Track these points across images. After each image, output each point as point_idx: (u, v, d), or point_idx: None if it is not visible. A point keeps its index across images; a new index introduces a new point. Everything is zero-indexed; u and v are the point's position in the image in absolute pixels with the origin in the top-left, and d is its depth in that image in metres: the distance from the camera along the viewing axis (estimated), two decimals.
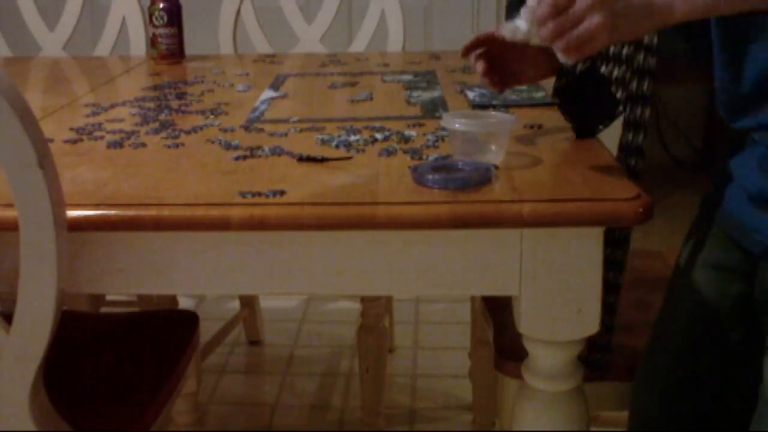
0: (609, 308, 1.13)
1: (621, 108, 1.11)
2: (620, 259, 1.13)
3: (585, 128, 1.19)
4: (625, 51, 1.08)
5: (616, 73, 1.10)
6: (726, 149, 1.12)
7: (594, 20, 0.90)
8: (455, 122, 1.10)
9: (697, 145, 3.64)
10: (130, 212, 1.00)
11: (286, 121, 1.38)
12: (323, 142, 1.23)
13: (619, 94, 1.10)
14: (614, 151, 1.14)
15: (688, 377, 1.16)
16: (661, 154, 3.66)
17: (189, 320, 1.44)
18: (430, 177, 1.02)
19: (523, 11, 0.98)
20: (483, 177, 1.03)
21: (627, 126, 1.11)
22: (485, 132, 1.10)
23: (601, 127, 1.17)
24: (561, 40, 0.92)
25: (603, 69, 1.11)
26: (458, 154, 1.11)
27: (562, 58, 0.95)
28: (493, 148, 1.10)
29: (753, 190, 1.04)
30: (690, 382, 1.16)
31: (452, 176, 1.03)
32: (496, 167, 1.07)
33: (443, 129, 1.23)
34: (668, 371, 1.18)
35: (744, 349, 1.11)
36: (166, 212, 1.00)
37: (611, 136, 1.19)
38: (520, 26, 0.99)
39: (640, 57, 1.08)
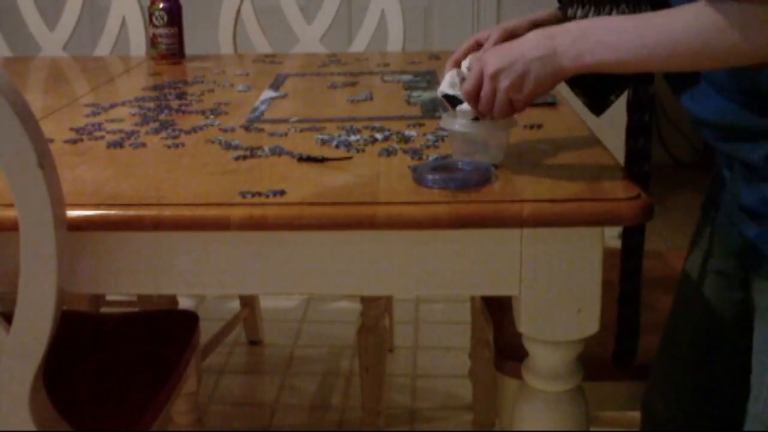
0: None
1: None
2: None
3: (598, 102, 1.14)
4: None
5: None
6: (719, 156, 1.11)
7: (501, 90, 1.00)
8: (455, 122, 1.09)
9: (697, 145, 3.64)
10: (130, 212, 1.00)
11: (286, 121, 1.38)
12: (323, 142, 1.23)
13: None
14: (619, 156, 1.13)
15: (701, 385, 1.15)
16: (661, 154, 3.66)
17: (189, 320, 1.44)
18: (429, 177, 1.02)
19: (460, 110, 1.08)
20: (483, 177, 1.03)
21: (631, 131, 1.10)
22: (485, 132, 1.10)
23: (612, 97, 1.13)
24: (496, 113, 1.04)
25: None
26: (458, 154, 1.10)
27: None
28: (493, 148, 1.10)
29: (742, 201, 1.02)
30: (703, 389, 1.15)
31: (452, 176, 1.03)
32: (496, 167, 1.07)
33: (443, 129, 1.23)
34: (681, 378, 1.17)
35: (750, 357, 1.10)
36: (166, 212, 1.00)
37: (612, 138, 1.18)
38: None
39: None
